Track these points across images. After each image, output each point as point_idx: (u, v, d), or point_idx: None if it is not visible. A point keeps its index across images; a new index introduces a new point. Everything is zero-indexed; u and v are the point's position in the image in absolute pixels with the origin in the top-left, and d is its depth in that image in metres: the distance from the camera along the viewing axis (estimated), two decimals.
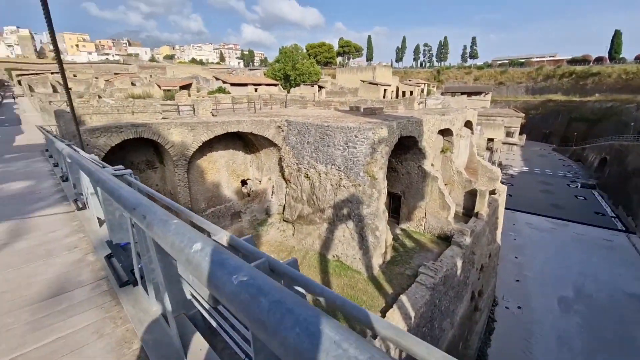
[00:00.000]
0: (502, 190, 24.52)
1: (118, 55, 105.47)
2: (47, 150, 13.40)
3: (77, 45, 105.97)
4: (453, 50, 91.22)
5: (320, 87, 47.77)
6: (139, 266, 2.82)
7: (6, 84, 72.93)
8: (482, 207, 20.66)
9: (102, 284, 3.08)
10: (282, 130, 19.55)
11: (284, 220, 19.44)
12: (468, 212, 21.54)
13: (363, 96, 44.59)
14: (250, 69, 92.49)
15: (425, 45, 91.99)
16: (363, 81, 48.14)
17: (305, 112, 24.15)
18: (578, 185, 53.45)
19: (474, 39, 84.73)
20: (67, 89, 4.22)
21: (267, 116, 21.30)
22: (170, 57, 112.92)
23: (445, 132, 21.25)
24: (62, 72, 3.71)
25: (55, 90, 54.21)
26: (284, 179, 19.92)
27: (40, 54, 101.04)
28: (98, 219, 4.40)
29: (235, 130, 19.40)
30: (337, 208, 16.43)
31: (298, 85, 55.38)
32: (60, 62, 3.64)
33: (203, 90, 45.82)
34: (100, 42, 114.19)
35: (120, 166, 3.58)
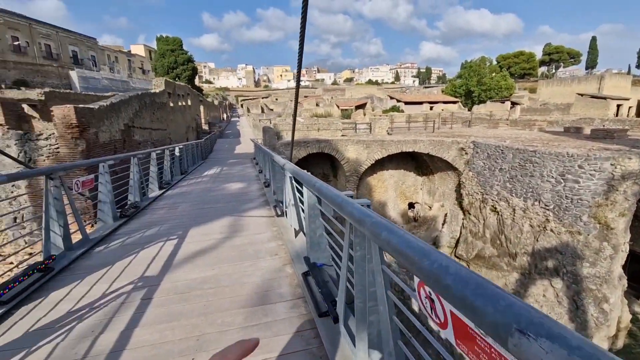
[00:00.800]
0: None
1: (308, 81, 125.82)
2: (254, 158, 16.17)
3: (281, 75, 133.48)
4: None
5: (514, 104, 40.84)
6: (343, 300, 2.41)
7: (234, 106, 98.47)
8: None
9: (299, 305, 2.98)
10: (466, 153, 17.18)
11: (455, 256, 16.83)
12: None
13: (579, 113, 35.29)
14: (425, 87, 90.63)
15: None
16: (581, 94, 38.10)
17: (497, 133, 20.71)
18: None
19: None
20: (295, 112, 4.74)
21: (447, 136, 19.37)
22: (349, 80, 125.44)
23: None
24: (296, 99, 3.98)
25: (262, 111, 68.87)
26: (462, 208, 17.37)
27: (257, 83, 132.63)
28: (295, 230, 4.60)
29: (411, 150, 18.45)
30: (538, 257, 12.73)
31: (484, 102, 49.62)
32: (297, 92, 3.93)
33: (377, 109, 47.59)
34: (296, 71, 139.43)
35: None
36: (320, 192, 2.46)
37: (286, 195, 4.80)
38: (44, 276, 3.52)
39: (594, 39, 76.50)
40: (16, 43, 34.11)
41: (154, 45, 50.77)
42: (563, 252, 11.93)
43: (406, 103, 46.86)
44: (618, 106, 36.23)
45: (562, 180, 12.17)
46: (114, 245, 4.68)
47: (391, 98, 51.00)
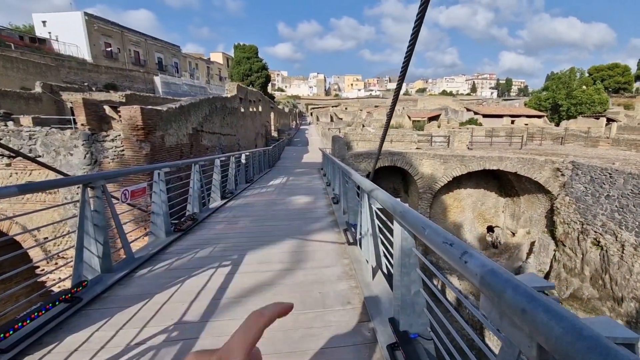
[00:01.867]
0: None
1: (379, 91, 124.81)
2: (322, 169, 16.16)
3: (352, 85, 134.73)
4: None
5: (610, 120, 35.32)
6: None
7: (304, 114, 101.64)
8: None
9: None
10: (562, 175, 15.28)
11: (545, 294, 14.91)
12: None
13: None
14: (505, 99, 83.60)
15: None
16: None
17: (598, 153, 18.06)
18: None
19: None
20: (389, 122, 3.95)
21: (538, 154, 17.45)
22: (422, 90, 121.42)
23: None
24: (392, 107, 3.59)
25: (332, 119, 69.93)
26: (554, 238, 15.39)
27: (327, 92, 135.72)
28: (372, 267, 3.55)
29: (495, 168, 17.01)
30: None
31: (573, 117, 43.94)
32: (395, 99, 3.44)
33: (452, 121, 45.08)
34: (368, 80, 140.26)
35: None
36: (438, 246, 1.53)
37: (362, 222, 3.94)
38: (68, 309, 2.86)
39: None
40: (109, 49, 39.18)
41: (231, 53, 53.23)
42: None
43: (484, 116, 43.67)
44: None
45: None
46: (160, 268, 4.09)
47: (468, 110, 48.00)
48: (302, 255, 4.50)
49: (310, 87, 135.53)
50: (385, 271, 3.36)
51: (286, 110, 66.22)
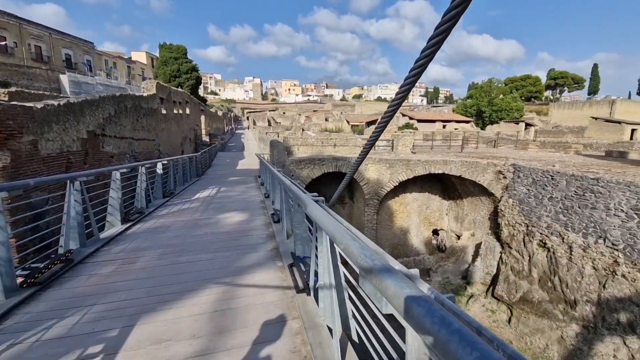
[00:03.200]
0: None
1: (317, 96, 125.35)
2: (259, 176, 14.03)
3: (289, 89, 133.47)
4: None
5: (528, 125, 39.12)
6: (315, 280, 3.02)
7: (239, 119, 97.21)
8: None
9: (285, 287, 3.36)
10: (504, 177, 15.14)
11: (494, 297, 14.54)
12: None
13: (593, 137, 33.50)
14: (434, 106, 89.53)
15: None
16: (595, 118, 36.36)
17: (531, 155, 18.70)
18: None
19: None
20: (381, 127, 2.59)
21: (479, 157, 17.36)
22: (358, 97, 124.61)
23: None
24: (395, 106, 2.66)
25: (269, 124, 67.30)
26: (500, 240, 15.17)
27: (264, 96, 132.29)
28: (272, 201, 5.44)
29: (441, 171, 16.44)
30: (606, 308, 10.48)
31: (495, 122, 48.00)
32: (395, 107, 2.70)
33: (389, 125, 45.87)
34: (305, 85, 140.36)
35: (315, 193, 4.06)
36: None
37: (319, 265, 2.70)
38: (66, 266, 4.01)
39: (595, 66, 75.48)
40: (2, 43, 32.43)
41: (157, 53, 48.80)
42: None
43: (419, 121, 45.18)
44: (633, 130, 34.43)
45: (635, 216, 10.05)
46: None
47: (403, 115, 49.38)
48: (227, 318, 3.04)
49: (246, 91, 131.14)
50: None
51: (220, 113, 62.12)
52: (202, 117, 37.87)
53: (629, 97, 71.70)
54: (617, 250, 10.44)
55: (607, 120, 35.67)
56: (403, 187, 18.42)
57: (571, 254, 11.62)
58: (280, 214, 6.00)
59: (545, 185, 12.95)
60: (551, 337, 11.90)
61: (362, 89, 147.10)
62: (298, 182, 6.69)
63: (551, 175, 12.77)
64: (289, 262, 4.26)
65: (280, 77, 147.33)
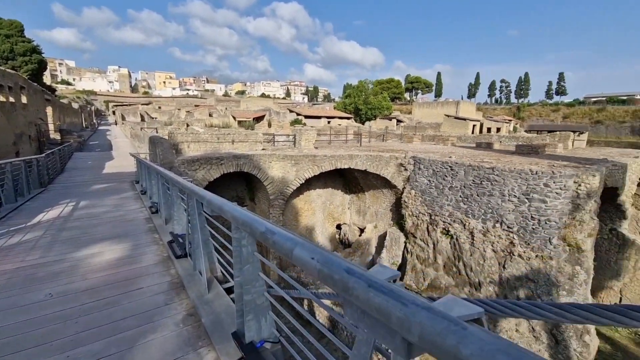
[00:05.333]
0: None
1: (197, 90, 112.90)
2: (137, 182, 10.26)
3: (164, 82, 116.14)
4: (533, 87, 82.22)
5: (399, 121, 43.38)
6: (189, 247, 3.61)
7: (102, 113, 79.59)
8: None
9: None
10: (405, 169, 14.86)
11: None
12: None
13: (447, 131, 39.21)
14: (314, 104, 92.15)
15: (503, 81, 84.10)
16: (448, 115, 42.75)
17: (418, 148, 19.40)
18: None
19: (561, 74, 74.24)
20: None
21: (380, 150, 16.91)
22: (241, 93, 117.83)
23: None
24: None
25: (143, 119, 56.73)
26: (404, 231, 14.91)
27: (133, 89, 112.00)
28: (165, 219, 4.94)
29: (347, 166, 15.18)
30: (507, 287, 10.86)
31: (369, 119, 51.78)
32: None
33: (274, 121, 43.95)
34: (183, 79, 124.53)
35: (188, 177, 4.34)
36: None
37: (192, 230, 3.47)
38: None
39: (439, 74, 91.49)
40: None
41: None
42: (535, 279, 10.26)
43: (306, 117, 44.70)
44: (474, 126, 41.90)
45: (526, 200, 10.60)
46: None
47: (290, 111, 48.19)
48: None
49: (110, 82, 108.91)
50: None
51: (75, 106, 48.78)
52: (49, 109, 28.11)
53: (461, 99, 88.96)
54: (512, 232, 10.88)
55: (456, 118, 42.16)
56: (307, 184, 16.58)
57: (473, 239, 11.81)
58: (188, 244, 3.95)
59: (445, 175, 13.00)
60: None
61: (245, 85, 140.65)
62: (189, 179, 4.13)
63: (450, 166, 12.85)
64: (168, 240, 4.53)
65: (153, 69, 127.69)
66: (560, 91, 75.76)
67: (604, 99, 70.40)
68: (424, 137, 23.79)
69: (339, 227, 19.20)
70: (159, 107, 72.31)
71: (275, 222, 2.72)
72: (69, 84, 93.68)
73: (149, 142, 14.92)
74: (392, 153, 15.55)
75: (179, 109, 61.80)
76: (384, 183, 15.91)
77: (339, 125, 42.51)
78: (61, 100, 39.68)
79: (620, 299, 12.69)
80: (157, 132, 25.83)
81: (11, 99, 17.00)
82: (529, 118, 64.15)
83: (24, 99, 19.14)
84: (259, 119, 45.40)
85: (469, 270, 11.81)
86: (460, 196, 12.40)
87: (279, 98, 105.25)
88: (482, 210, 11.65)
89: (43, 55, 37.65)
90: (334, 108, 59.46)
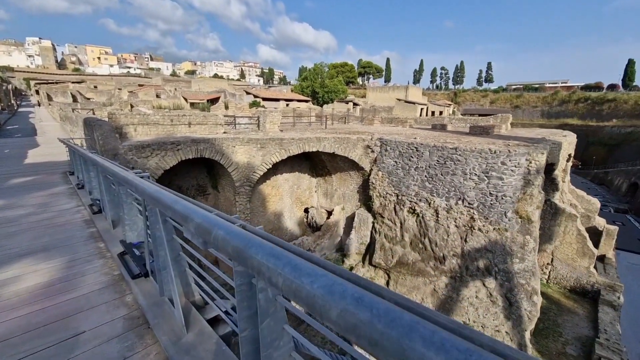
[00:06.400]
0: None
1: (140, 69, 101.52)
2: (71, 173, 8.61)
3: (98, 58, 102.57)
4: (467, 75, 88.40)
5: (355, 104, 43.77)
6: (151, 261, 2.72)
7: (23, 93, 68.92)
8: (609, 249, 15.97)
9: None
10: (372, 151, 14.99)
11: (372, 265, 14.59)
12: None
13: (398, 114, 40.58)
14: (270, 86, 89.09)
15: (442, 68, 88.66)
16: (399, 100, 44.12)
17: (381, 130, 19.64)
18: (610, 210, 48.94)
19: (489, 64, 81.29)
20: None
21: (347, 133, 16.79)
22: (191, 73, 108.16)
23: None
24: None
25: (75, 100, 50.05)
26: (371, 212, 15.20)
27: (60, 65, 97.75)
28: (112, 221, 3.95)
29: (315, 149, 14.88)
30: (468, 258, 11.66)
31: (327, 102, 51.54)
32: None
33: (232, 104, 41.69)
34: (122, 55, 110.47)
35: (139, 170, 3.61)
36: None
37: (156, 244, 2.40)
38: None
39: (388, 60, 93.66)
40: None
41: None
42: (493, 250, 11.14)
43: (264, 99, 42.98)
44: (421, 109, 43.87)
45: (485, 178, 11.31)
46: None
47: (247, 93, 46.03)
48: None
49: (30, 57, 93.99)
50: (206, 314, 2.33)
51: None
52: None
53: (407, 84, 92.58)
54: (472, 208, 11.60)
55: (406, 102, 43.64)
56: (274, 168, 15.99)
57: (437, 216, 12.40)
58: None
59: (411, 156, 13.34)
60: (425, 292, 12.67)
61: (195, 64, 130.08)
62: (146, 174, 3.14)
63: (416, 147, 13.20)
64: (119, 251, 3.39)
65: (83, 42, 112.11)
66: (488, 79, 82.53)
67: (521, 86, 78.46)
68: (383, 120, 24.28)
69: (306, 210, 19.03)
70: (95, 87, 64.47)
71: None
72: None
73: (83, 125, 12.87)
74: (359, 135, 15.55)
75: (119, 89, 55.61)
76: (351, 165, 15.93)
77: (297, 107, 41.70)
78: None
79: (552, 259, 14.47)
80: (93, 113, 22.87)
81: None
82: (464, 102, 69.36)
83: None
84: (213, 101, 42.60)
85: (434, 245, 12.46)
86: (425, 176, 12.86)
87: (233, 79, 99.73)
88: (446, 189, 12.22)
89: None
90: (292, 91, 58.02)
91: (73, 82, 66.69)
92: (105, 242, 3.89)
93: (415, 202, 13.20)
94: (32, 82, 69.44)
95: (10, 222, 4.79)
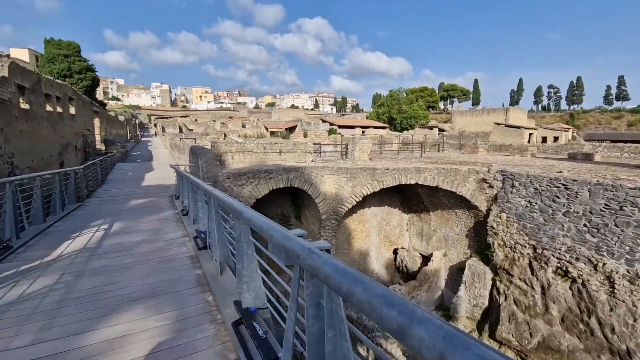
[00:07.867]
0: None
1: (230, 103, 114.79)
2: (177, 197, 9.07)
3: (201, 96, 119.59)
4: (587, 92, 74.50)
5: (441, 130, 39.68)
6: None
7: (145, 126, 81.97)
8: None
9: None
10: (490, 186, 11.56)
11: (496, 341, 10.71)
12: None
13: (497, 141, 34.90)
14: (342, 114, 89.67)
15: (551, 86, 77.04)
16: (497, 124, 38.36)
17: (503, 160, 15.90)
18: None
19: (621, 78, 66.36)
20: None
21: (451, 163, 13.72)
22: (271, 105, 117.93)
23: None
24: None
25: (181, 130, 56.90)
26: (490, 265, 11.51)
27: (173, 103, 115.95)
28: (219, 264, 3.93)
29: (414, 181, 12.14)
30: None
31: (406, 129, 48.25)
32: None
33: (311, 132, 41.76)
34: (217, 93, 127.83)
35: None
36: None
37: (209, 227, 4.19)
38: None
39: (476, 81, 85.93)
40: None
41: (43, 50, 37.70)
42: None
43: (340, 127, 42.03)
44: (530, 134, 37.25)
45: None
46: None
47: (323, 121, 45.82)
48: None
49: (153, 97, 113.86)
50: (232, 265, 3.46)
51: (121, 118, 49.49)
52: (96, 121, 27.52)
53: (502, 106, 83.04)
54: None
55: (507, 126, 37.73)
56: (362, 201, 13.69)
57: (614, 287, 8.28)
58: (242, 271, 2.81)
59: (557, 196, 9.59)
60: None
61: (274, 97, 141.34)
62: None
63: (564, 185, 9.45)
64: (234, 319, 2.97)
65: (191, 85, 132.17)
66: (622, 96, 67.74)
67: None
68: (490, 148, 20.20)
69: (395, 252, 16.04)
70: (195, 120, 73.22)
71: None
72: (118, 99, 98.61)
73: (189, 152, 13.00)
74: (470, 166, 12.32)
75: (214, 121, 61.73)
76: (458, 202, 12.67)
77: (376, 134, 39.48)
78: (108, 113, 40.05)
79: None
80: (195, 142, 24.19)
81: (58, 109, 15.76)
82: (585, 126, 57.33)
83: (72, 110, 18.03)
84: (291, 130, 43.50)
85: (609, 331, 8.25)
86: (584, 225, 8.94)
87: (307, 109, 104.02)
88: (627, 247, 8.13)
89: (96, 73, 38.73)
90: (367, 118, 56.49)
91: (180, 117, 77.14)
92: (213, 294, 3.38)
93: (567, 261, 9.24)
94: (152, 117, 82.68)
95: (125, 250, 4.91)
